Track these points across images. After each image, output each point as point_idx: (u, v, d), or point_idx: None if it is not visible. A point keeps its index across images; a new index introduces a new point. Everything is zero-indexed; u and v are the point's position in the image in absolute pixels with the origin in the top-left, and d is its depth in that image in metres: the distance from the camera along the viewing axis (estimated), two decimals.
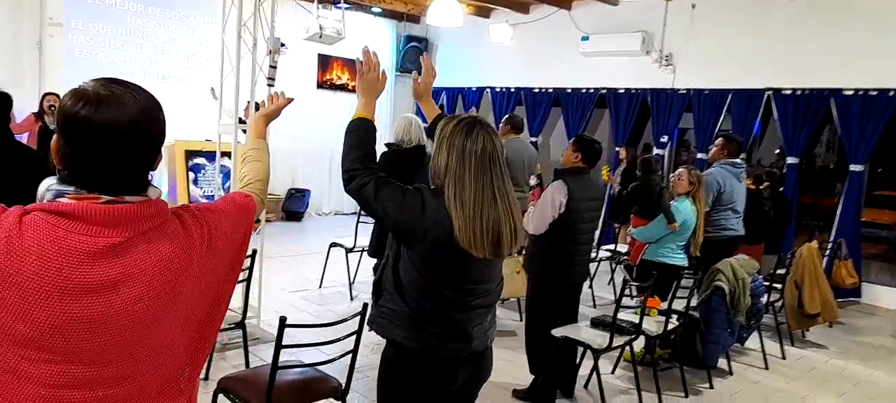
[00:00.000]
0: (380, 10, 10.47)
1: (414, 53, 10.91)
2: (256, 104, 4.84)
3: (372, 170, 2.01)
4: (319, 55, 10.09)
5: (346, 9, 10.08)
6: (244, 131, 6.51)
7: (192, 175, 7.31)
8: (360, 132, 2.08)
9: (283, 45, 4.65)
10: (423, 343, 1.99)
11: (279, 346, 2.56)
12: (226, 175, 7.28)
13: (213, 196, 7.40)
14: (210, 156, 7.28)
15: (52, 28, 7.86)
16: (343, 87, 10.53)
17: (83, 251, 1.09)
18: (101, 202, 1.12)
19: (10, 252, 1.06)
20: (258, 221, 5.11)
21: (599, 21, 8.98)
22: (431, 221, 1.90)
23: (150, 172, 1.26)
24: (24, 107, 7.01)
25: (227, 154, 6.88)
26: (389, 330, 2.04)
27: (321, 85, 10.29)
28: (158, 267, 1.16)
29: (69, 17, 7.97)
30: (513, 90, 10.08)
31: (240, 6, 4.54)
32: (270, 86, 4.55)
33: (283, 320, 2.56)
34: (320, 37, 5.93)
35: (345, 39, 6.40)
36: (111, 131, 1.11)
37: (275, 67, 4.56)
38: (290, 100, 2.02)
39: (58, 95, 6.96)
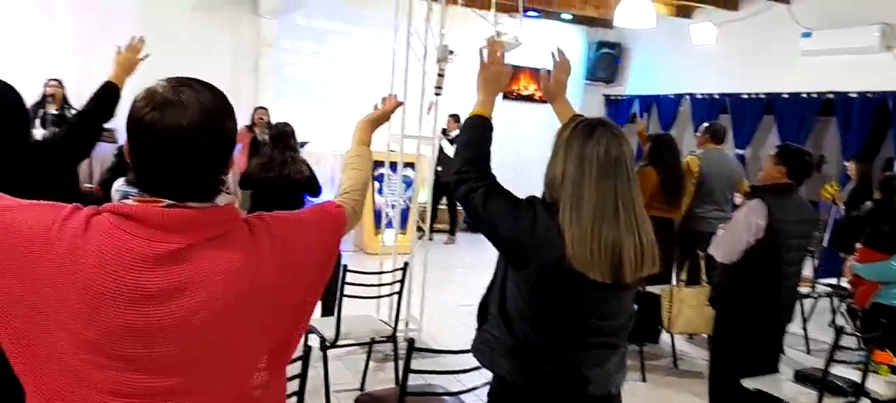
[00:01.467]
0: (570, 16, 10.09)
1: (606, 60, 10.36)
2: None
3: (484, 175, 1.77)
4: (517, 67, 9.98)
5: (535, 17, 9.93)
6: (451, 142, 6.46)
7: (377, 185, 7.55)
8: (475, 131, 1.84)
9: (451, 52, 4.54)
10: (531, 380, 1.70)
11: (408, 371, 2.36)
12: (407, 184, 7.43)
13: (395, 205, 7.60)
14: (394, 166, 7.49)
15: (265, 48, 8.70)
16: (530, 98, 10.31)
17: (142, 255, 1.04)
18: (161, 205, 1.07)
19: (74, 252, 1.04)
20: (422, 231, 5.04)
21: (825, 14, 7.70)
22: (541, 240, 1.62)
23: (225, 177, 1.17)
24: (239, 121, 7.79)
25: (409, 164, 7.05)
26: (493, 361, 1.77)
27: (507, 96, 10.16)
28: (222, 277, 1.09)
29: (280, 37, 8.74)
30: (716, 97, 9.07)
31: (409, 14, 4.50)
32: (437, 95, 4.46)
33: (411, 343, 2.36)
34: None
35: (526, 47, 6.14)
36: (173, 136, 1.06)
37: (442, 76, 4.45)
38: (399, 104, 1.85)
39: (266, 109, 7.61)
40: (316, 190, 4.57)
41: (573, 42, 10.50)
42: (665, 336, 4.82)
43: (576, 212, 1.60)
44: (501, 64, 1.91)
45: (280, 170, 4.28)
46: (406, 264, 3.67)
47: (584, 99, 10.65)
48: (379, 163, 7.47)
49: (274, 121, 8.12)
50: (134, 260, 1.04)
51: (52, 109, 6.59)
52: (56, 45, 7.51)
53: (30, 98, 6.74)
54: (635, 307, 1.81)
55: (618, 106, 10.72)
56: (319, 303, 4.25)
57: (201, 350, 1.09)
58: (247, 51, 8.57)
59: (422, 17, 4.68)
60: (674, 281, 4.86)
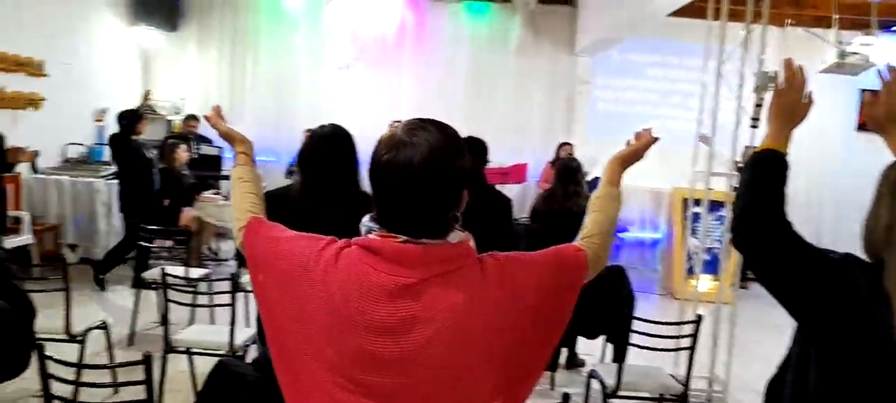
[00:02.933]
0: None
1: None
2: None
3: (772, 223, 1.42)
4: (862, 91, 8.43)
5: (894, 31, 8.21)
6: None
7: (689, 224, 7.02)
8: (763, 169, 1.48)
9: (772, 79, 3.99)
10: None
11: None
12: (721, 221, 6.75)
13: (711, 248, 6.97)
14: (714, 205, 6.92)
15: (580, 85, 8.85)
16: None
17: (379, 287, 1.11)
18: (398, 241, 1.13)
19: (326, 279, 1.15)
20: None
21: None
22: (859, 311, 1.27)
23: (456, 214, 1.20)
24: (547, 155, 8.08)
25: (720, 203, 6.40)
26: None
27: (863, 126, 8.56)
28: (450, 313, 1.11)
29: (595, 74, 8.81)
30: None
31: (721, 40, 4.11)
32: (754, 127, 3.96)
33: None
34: (839, 66, 4.89)
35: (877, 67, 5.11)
36: (402, 175, 1.12)
37: (760, 106, 3.94)
38: (654, 140, 1.63)
39: (571, 145, 7.73)
40: None
41: None
42: None
43: None
44: (799, 91, 1.58)
45: (562, 203, 4.28)
46: (699, 317, 3.29)
47: None
48: (696, 202, 7.00)
49: (579, 156, 8.22)
50: (372, 291, 1.11)
51: None
52: (401, 91, 8.73)
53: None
54: None
55: None
56: (610, 346, 4.14)
57: (433, 384, 1.12)
58: (562, 89, 8.83)
59: (737, 42, 4.24)
60: None
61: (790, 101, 1.55)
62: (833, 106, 8.31)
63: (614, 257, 8.40)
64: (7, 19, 5.96)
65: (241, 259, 4.74)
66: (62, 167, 6.67)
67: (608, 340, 4.21)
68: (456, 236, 1.17)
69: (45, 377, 2.29)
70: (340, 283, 1.14)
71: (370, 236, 1.17)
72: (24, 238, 5.72)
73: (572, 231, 4.39)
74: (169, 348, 3.44)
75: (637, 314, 3.41)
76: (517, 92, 8.77)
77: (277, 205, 2.62)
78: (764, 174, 1.49)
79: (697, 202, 6.92)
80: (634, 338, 3.27)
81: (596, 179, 7.31)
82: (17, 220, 5.72)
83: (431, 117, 1.20)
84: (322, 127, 2.48)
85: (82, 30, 7.26)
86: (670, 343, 3.31)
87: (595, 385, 3.31)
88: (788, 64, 1.59)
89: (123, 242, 5.91)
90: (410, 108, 8.59)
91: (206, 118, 1.88)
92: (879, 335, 1.23)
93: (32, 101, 6.38)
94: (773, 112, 1.58)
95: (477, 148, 3.42)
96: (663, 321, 3.37)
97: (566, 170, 4.49)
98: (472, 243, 1.20)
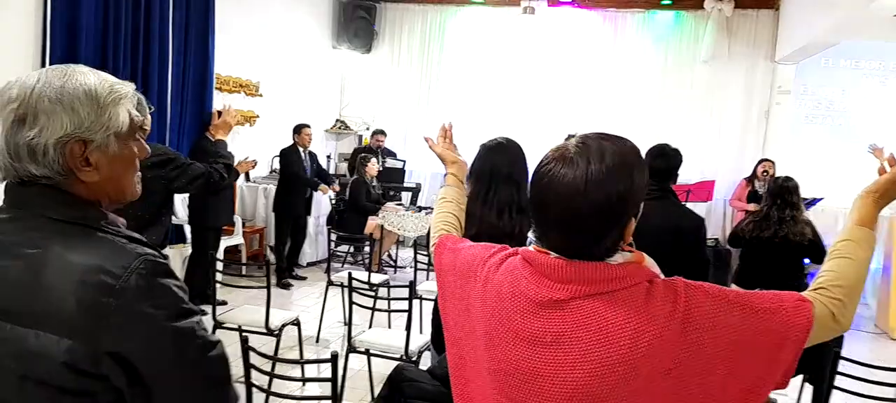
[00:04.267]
0: None
1: None
2: None
3: None
4: None
5: None
6: None
7: None
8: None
9: None
10: None
11: None
12: None
13: None
14: None
15: (779, 96, 8.05)
16: None
17: (529, 299, 1.10)
18: (551, 256, 1.11)
19: (486, 285, 1.18)
20: None
21: None
22: None
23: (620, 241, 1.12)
24: (742, 170, 7.44)
25: None
26: None
27: None
28: (597, 335, 1.04)
29: (797, 83, 7.97)
30: None
31: None
32: None
33: None
34: None
35: None
36: (555, 193, 1.07)
37: None
38: None
39: (772, 162, 7.04)
40: (820, 257, 3.95)
41: None
42: None
43: None
44: None
45: (776, 229, 3.87)
46: None
47: None
48: None
49: (780, 173, 7.44)
50: (522, 302, 1.10)
51: None
52: (584, 110, 8.53)
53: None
54: None
55: None
56: (809, 388, 3.66)
57: None
58: (758, 100, 8.09)
59: None
60: None
61: None
62: None
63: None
64: (233, 45, 6.80)
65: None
66: (269, 177, 7.46)
67: (807, 380, 3.75)
68: (621, 257, 1.10)
69: (248, 367, 2.54)
70: (497, 291, 1.14)
71: (530, 248, 1.16)
72: (236, 239, 6.47)
73: (786, 262, 3.99)
74: (351, 348, 3.67)
75: (844, 352, 2.99)
76: (707, 103, 8.19)
77: None
78: None
79: None
80: (840, 381, 2.87)
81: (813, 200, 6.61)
82: (232, 223, 6.50)
83: (610, 132, 1.12)
84: (491, 140, 2.50)
85: (294, 53, 8.09)
86: (888, 392, 2.85)
87: None
88: None
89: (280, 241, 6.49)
90: (593, 122, 8.37)
91: (426, 139, 1.90)
92: None
93: (249, 119, 7.23)
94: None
95: (665, 155, 3.10)
96: (877, 364, 2.92)
97: (782, 191, 4.03)
98: (648, 265, 1.11)
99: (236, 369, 2.66)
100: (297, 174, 6.37)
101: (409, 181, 8.17)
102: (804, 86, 8.00)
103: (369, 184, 6.59)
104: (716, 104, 8.15)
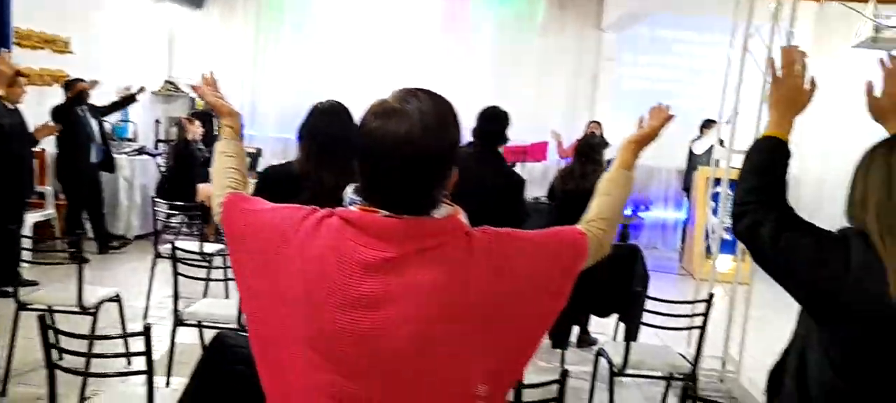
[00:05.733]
0: None
1: None
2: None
3: (773, 205, 1.40)
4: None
5: None
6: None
7: (712, 204, 6.87)
8: (764, 155, 1.48)
9: (804, 55, 3.83)
10: None
11: None
12: None
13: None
14: (733, 184, 6.76)
15: (605, 62, 8.67)
16: None
17: (357, 261, 1.06)
18: (379, 215, 1.08)
19: (302, 250, 1.11)
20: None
21: None
22: (857, 283, 1.23)
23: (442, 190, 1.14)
24: (572, 134, 7.94)
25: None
26: None
27: None
28: (428, 290, 1.06)
29: (621, 51, 8.62)
30: None
31: (749, 13, 3.95)
32: None
33: (685, 389, 2.02)
34: (874, 41, 4.66)
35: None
36: (389, 145, 1.06)
37: None
38: (669, 117, 1.56)
39: (599, 123, 7.58)
40: None
41: None
42: None
43: (891, 238, 1.22)
44: (799, 77, 1.51)
45: (579, 182, 4.18)
46: (711, 296, 3.20)
47: None
48: (717, 182, 6.84)
49: (607, 135, 8.05)
50: (349, 264, 1.06)
51: None
52: (424, 78, 8.63)
53: None
54: None
55: None
56: (622, 326, 4.06)
57: (411, 364, 1.07)
58: (587, 66, 8.66)
59: (766, 16, 4.07)
60: None
61: (790, 89, 1.52)
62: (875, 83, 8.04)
63: (636, 236, 8.28)
64: None
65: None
66: None
67: (620, 319, 4.14)
68: (442, 210, 1.11)
69: (48, 347, 2.31)
70: (318, 255, 1.09)
71: (351, 208, 1.12)
72: (47, 213, 5.84)
73: None
74: (178, 321, 3.47)
75: (653, 293, 3.34)
76: (541, 70, 8.61)
77: (280, 182, 2.65)
78: (766, 161, 1.48)
79: (718, 181, 6.78)
80: (647, 318, 3.21)
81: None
82: (42, 196, 5.84)
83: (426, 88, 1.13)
84: (322, 102, 2.45)
85: (108, 6, 7.33)
86: (682, 323, 3.24)
87: (603, 363, 3.25)
88: (786, 52, 1.56)
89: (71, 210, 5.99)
90: (433, 82, 8.47)
91: (194, 88, 1.84)
92: (877, 305, 1.19)
93: (58, 79, 6.48)
94: (773, 100, 1.55)
95: (496, 118, 3.29)
96: (676, 300, 3.29)
97: (585, 148, 4.39)
98: (462, 217, 1.14)
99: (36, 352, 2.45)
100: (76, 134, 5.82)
101: (248, 146, 7.81)
102: (628, 55, 8.66)
103: (195, 147, 6.21)
104: (549, 69, 8.60)
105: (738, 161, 4.44)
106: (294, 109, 8.50)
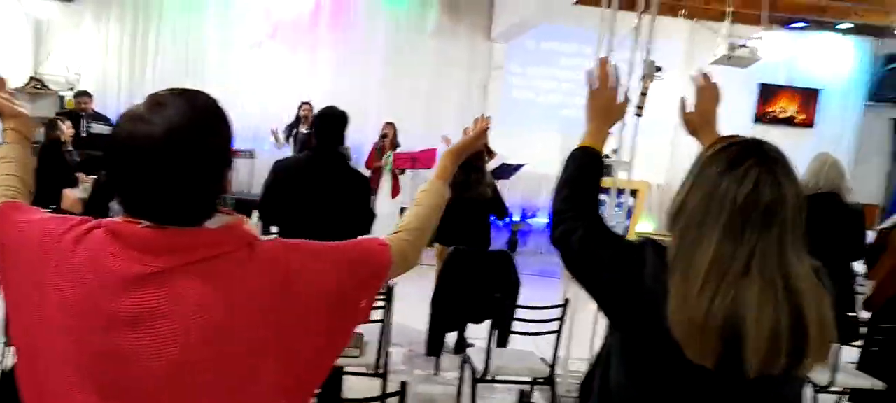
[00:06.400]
0: (850, 25, 8.54)
1: (894, 77, 8.58)
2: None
3: (585, 215, 1.42)
4: (762, 85, 8.81)
5: (801, 28, 8.60)
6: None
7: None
8: (579, 164, 1.51)
9: (658, 69, 4.06)
10: None
11: None
12: (628, 212, 6.93)
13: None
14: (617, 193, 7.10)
15: (495, 71, 8.86)
16: (790, 121, 8.93)
17: (117, 276, 0.99)
18: (141, 226, 1.00)
19: (60, 264, 1.02)
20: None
21: None
22: (646, 294, 1.24)
23: (221, 198, 1.08)
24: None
25: (621, 190, 6.55)
26: None
27: (760, 118, 8.93)
28: (196, 307, 0.98)
29: (509, 61, 8.83)
30: None
31: (611, 28, 4.14)
32: (638, 115, 4.02)
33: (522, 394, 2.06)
34: (729, 59, 5.03)
35: (791, 64, 5.31)
36: (138, 152, 0.99)
37: (645, 95, 4.00)
38: (486, 128, 1.59)
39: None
40: (502, 212, 4.43)
41: (848, 56, 8.90)
42: None
43: (685, 262, 1.19)
44: (613, 89, 1.57)
45: (461, 190, 4.23)
46: (567, 300, 3.32)
47: (864, 122, 8.94)
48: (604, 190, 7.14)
49: (495, 144, 8.22)
50: (109, 280, 0.99)
51: (303, 128, 7.46)
52: (316, 71, 8.51)
53: (287, 120, 7.83)
54: None
55: None
56: (496, 332, 4.14)
57: (176, 385, 0.99)
58: (479, 74, 8.81)
59: (627, 31, 4.28)
60: None
61: (604, 100, 1.57)
62: (734, 98, 8.65)
63: (524, 243, 8.52)
64: None
65: None
66: None
67: (493, 326, 4.21)
68: (217, 220, 1.05)
69: None
70: (76, 270, 1.01)
71: (115, 219, 1.04)
72: None
73: (473, 217, 4.48)
74: None
75: (535, 298, 3.43)
76: (433, 76, 8.68)
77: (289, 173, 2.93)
78: (580, 171, 1.51)
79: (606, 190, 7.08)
80: (523, 322, 3.29)
81: (502, 167, 7.38)
82: None
83: (187, 92, 1.05)
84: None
85: None
86: (553, 325, 3.33)
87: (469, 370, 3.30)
88: (602, 63, 1.61)
89: None
90: (324, 90, 8.37)
91: None
92: (657, 318, 1.18)
93: None
94: (588, 111, 1.60)
95: (331, 121, 3.20)
96: (541, 305, 3.39)
97: (469, 157, 4.43)
98: (247, 227, 1.08)
99: None
100: None
101: None
102: (517, 65, 8.88)
103: (64, 150, 5.80)
104: (441, 75, 8.68)
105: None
106: None
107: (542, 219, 8.38)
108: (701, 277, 1.15)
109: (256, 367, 1.04)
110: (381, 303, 3.06)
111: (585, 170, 1.49)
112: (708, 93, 1.68)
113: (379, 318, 3.01)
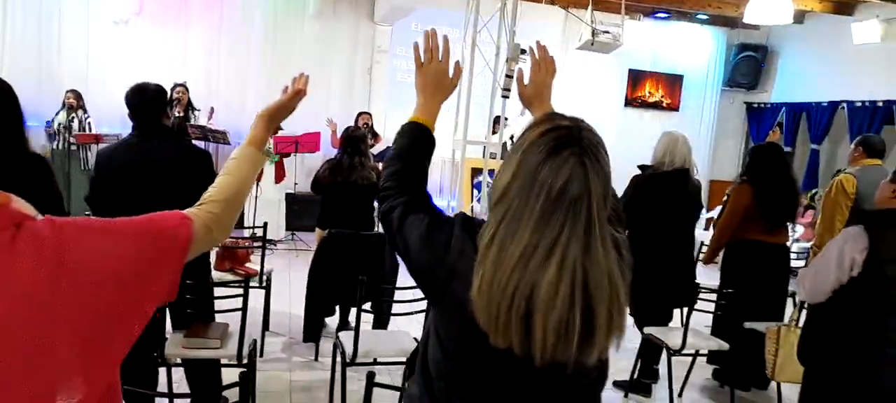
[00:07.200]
0: (706, 16, 9.19)
1: (748, 64, 9.33)
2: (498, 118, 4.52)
3: (408, 190, 1.41)
4: (631, 71, 9.31)
5: (664, 18, 9.16)
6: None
7: (476, 192, 7.33)
8: (408, 140, 1.49)
9: (523, 51, 4.19)
10: None
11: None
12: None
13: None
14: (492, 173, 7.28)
15: (379, 55, 8.79)
16: (658, 105, 9.51)
17: None
18: None
19: None
20: None
21: None
22: (452, 266, 1.23)
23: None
24: (349, 123, 7.95)
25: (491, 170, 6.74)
26: None
27: (630, 102, 9.46)
28: None
29: (394, 44, 8.79)
30: (880, 104, 7.77)
31: (476, 10, 4.22)
32: (505, 97, 4.14)
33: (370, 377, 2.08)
34: (592, 44, 5.27)
35: (656, 51, 5.60)
36: None
37: (511, 77, 4.12)
38: (300, 91, 1.53)
39: (370, 115, 7.66)
40: None
41: (707, 45, 9.60)
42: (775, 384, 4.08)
43: (497, 245, 1.15)
44: (445, 60, 1.54)
45: (347, 174, 4.20)
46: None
47: (721, 105, 9.69)
48: (480, 171, 7.28)
49: (379, 127, 8.19)
50: None
51: (177, 112, 7.09)
52: (188, 52, 8.09)
53: None
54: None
55: (761, 115, 9.59)
56: (373, 316, 4.15)
57: None
58: (363, 57, 8.71)
59: (492, 13, 4.39)
60: (786, 319, 4.10)
61: (435, 74, 1.53)
62: (607, 83, 9.10)
63: None
64: None
65: None
66: None
67: (372, 309, 4.22)
68: None
69: None
70: None
71: None
72: None
73: (358, 202, 4.40)
74: None
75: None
76: (316, 59, 8.48)
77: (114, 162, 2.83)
78: (408, 146, 1.48)
79: (480, 171, 7.23)
80: (398, 306, 3.27)
81: (387, 150, 7.36)
82: None
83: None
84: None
85: None
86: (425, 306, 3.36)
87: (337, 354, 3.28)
88: (428, 36, 1.56)
89: None
90: (198, 70, 8.00)
91: None
92: (464, 293, 1.17)
93: None
94: (419, 86, 1.55)
95: (141, 92, 2.93)
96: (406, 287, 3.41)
97: (351, 140, 4.37)
98: (15, 206, 0.99)
99: None
100: None
101: None
102: (402, 48, 8.85)
103: None
104: (325, 58, 8.51)
105: (476, 152, 4.73)
106: (33, 94, 7.51)
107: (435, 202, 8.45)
108: (511, 266, 1.12)
109: (42, 350, 0.97)
110: (239, 292, 2.96)
111: (413, 145, 1.47)
112: (543, 66, 1.65)
113: (239, 307, 2.91)
